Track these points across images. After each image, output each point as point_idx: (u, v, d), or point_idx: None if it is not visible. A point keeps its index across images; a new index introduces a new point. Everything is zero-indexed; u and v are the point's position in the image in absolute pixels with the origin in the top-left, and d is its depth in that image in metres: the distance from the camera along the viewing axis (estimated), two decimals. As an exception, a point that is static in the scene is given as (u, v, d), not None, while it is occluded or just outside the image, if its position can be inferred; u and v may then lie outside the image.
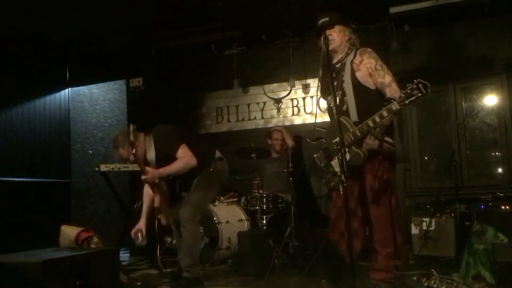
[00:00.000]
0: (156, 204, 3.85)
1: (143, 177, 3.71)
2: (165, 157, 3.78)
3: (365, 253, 3.32)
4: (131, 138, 3.59)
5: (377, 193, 3.10)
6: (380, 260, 3.12)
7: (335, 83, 3.14)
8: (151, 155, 3.84)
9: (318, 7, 3.41)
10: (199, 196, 3.91)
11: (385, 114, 2.91)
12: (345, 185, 2.77)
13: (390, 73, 3.19)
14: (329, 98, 3.30)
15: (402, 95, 2.79)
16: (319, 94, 3.43)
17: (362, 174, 3.14)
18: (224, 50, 6.70)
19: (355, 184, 3.17)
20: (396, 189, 3.27)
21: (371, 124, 2.97)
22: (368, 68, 3.19)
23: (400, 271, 4.09)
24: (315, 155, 3.25)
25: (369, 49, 3.25)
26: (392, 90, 3.12)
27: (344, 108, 3.17)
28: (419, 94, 2.72)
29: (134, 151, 3.59)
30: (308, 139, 3.34)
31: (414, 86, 2.73)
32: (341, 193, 2.76)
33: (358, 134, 3.03)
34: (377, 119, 2.95)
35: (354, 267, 2.79)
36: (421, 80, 2.72)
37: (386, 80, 3.15)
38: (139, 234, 3.78)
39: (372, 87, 3.19)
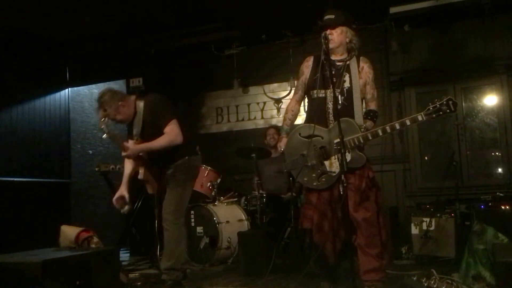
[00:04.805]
0: (141, 176, 3.77)
1: (123, 153, 3.60)
2: (152, 126, 3.64)
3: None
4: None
5: (365, 192, 3.08)
6: (372, 261, 3.08)
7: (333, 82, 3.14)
8: (139, 120, 3.69)
9: (318, 7, 3.39)
10: (177, 197, 3.75)
11: (407, 122, 2.98)
12: (345, 184, 2.78)
13: None
14: (315, 91, 3.25)
15: (431, 108, 2.89)
16: (303, 81, 3.38)
17: (347, 177, 3.03)
18: (224, 50, 6.70)
19: (336, 187, 3.14)
20: (379, 186, 3.24)
21: (389, 130, 3.00)
22: (367, 78, 3.27)
23: (400, 271, 4.10)
24: (304, 152, 3.20)
25: (367, 59, 3.32)
26: (377, 104, 3.31)
27: (339, 107, 3.13)
28: (448, 111, 2.86)
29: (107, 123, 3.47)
30: (299, 135, 3.27)
31: (444, 102, 2.87)
32: (341, 192, 2.77)
33: (370, 137, 3.04)
34: (397, 126, 2.99)
35: (354, 267, 2.79)
36: (452, 98, 2.88)
37: (375, 94, 3.31)
38: (122, 201, 3.66)
39: (362, 95, 3.26)
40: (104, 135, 3.49)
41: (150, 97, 3.76)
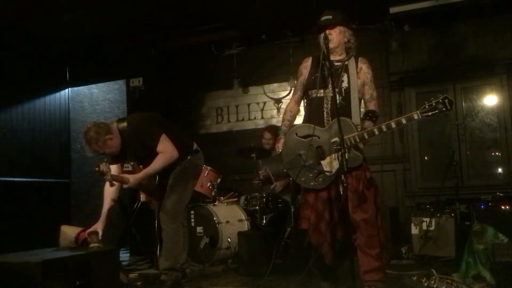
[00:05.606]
0: (143, 199, 3.73)
1: (124, 186, 3.53)
2: (144, 149, 3.57)
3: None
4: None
5: (362, 194, 3.07)
6: (372, 261, 3.07)
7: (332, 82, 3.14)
8: (129, 147, 3.60)
9: (318, 7, 3.39)
10: (176, 197, 3.72)
11: (403, 121, 2.96)
12: (345, 184, 2.77)
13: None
14: (314, 91, 3.24)
15: (427, 106, 2.87)
16: (301, 82, 3.36)
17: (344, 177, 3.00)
18: (224, 50, 6.70)
19: (334, 187, 3.12)
20: (377, 186, 3.23)
21: (385, 129, 2.98)
22: (365, 78, 3.25)
23: (400, 271, 4.10)
24: (301, 152, 3.19)
25: (366, 60, 3.31)
26: (377, 105, 3.28)
27: (337, 107, 3.11)
28: (444, 109, 2.83)
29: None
30: (296, 135, 3.26)
31: (440, 101, 2.84)
32: (341, 192, 2.77)
33: (366, 137, 3.03)
34: (393, 125, 2.97)
35: (354, 267, 2.79)
36: (448, 96, 2.85)
37: (374, 94, 3.28)
38: (93, 236, 3.53)
39: (360, 96, 3.25)
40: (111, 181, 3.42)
41: (131, 120, 3.67)
